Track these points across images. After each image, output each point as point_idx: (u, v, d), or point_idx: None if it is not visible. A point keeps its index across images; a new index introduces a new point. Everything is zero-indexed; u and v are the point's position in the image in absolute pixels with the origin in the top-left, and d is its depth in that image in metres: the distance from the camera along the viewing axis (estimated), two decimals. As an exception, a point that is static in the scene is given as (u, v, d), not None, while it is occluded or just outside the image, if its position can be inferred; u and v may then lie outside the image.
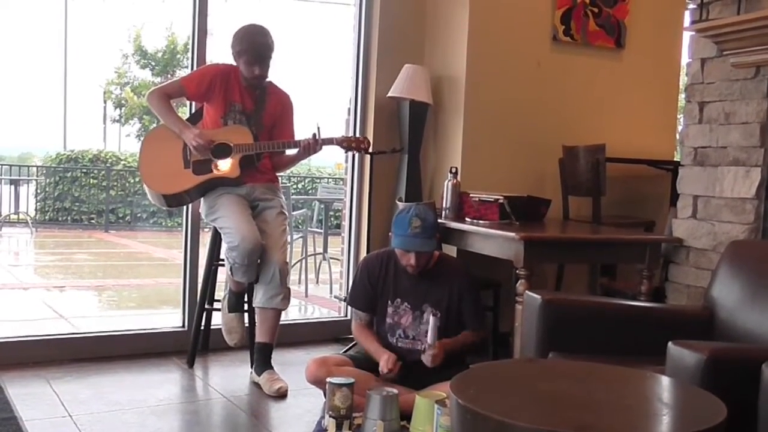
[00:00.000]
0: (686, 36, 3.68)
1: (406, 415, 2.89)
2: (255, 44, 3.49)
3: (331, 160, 13.51)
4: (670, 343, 1.92)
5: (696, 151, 3.33)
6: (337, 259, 5.52)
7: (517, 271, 3.13)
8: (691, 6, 3.34)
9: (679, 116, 4.92)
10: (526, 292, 2.60)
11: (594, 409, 1.53)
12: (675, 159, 4.54)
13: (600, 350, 2.36)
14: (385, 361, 3.05)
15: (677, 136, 4.93)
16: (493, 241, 3.31)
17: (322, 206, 7.09)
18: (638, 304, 2.97)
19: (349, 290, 3.46)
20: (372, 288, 3.24)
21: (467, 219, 3.60)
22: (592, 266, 4.38)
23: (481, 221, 3.51)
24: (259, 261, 3.42)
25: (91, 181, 12.54)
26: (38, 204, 12.63)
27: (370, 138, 4.00)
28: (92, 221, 12.51)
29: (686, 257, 3.31)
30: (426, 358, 3.02)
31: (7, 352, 3.55)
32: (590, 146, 4.01)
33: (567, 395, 1.57)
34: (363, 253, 4.25)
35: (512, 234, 3.12)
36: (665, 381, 1.82)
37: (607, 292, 3.86)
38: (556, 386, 1.63)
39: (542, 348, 2.43)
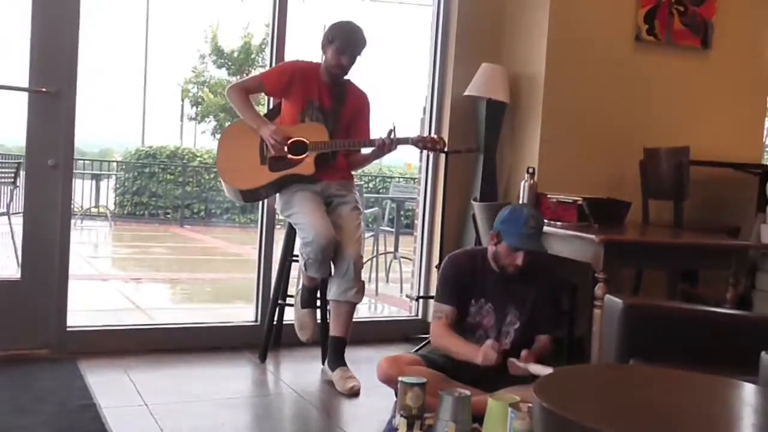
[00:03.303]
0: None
1: (478, 418, 2.85)
2: (349, 32, 3.53)
3: (401, 160, 13.52)
4: (763, 353, 1.83)
5: (788, 154, 3.19)
6: (408, 259, 5.50)
7: (596, 275, 3.05)
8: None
9: (767, 118, 4.74)
10: (607, 295, 2.52)
11: (684, 419, 1.47)
12: (763, 162, 4.37)
13: (683, 358, 2.27)
14: (489, 347, 2.97)
15: (765, 139, 4.74)
16: (570, 243, 3.24)
17: (394, 205, 7.09)
18: (725, 311, 2.85)
19: (438, 288, 3.38)
20: (462, 285, 3.18)
21: (544, 220, 3.53)
22: (672, 272, 4.25)
23: (558, 222, 3.43)
24: (333, 256, 3.42)
25: (168, 177, 12.84)
26: (117, 198, 13.00)
27: (446, 137, 3.96)
28: (168, 216, 12.81)
29: (775, 265, 3.18)
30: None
31: (86, 341, 3.64)
32: (673, 148, 3.89)
33: (655, 403, 1.51)
34: (436, 253, 4.23)
35: (592, 236, 3.05)
36: (757, 391, 1.74)
37: (688, 298, 3.73)
38: (643, 393, 1.56)
39: (623, 354, 2.36)
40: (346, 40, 3.51)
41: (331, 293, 3.46)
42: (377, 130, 3.66)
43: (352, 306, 3.47)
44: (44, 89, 3.43)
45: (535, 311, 3.10)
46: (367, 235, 6.99)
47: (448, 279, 3.23)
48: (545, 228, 3.37)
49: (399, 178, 13.05)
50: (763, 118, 4.66)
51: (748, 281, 3.35)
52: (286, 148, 3.49)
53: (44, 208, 3.51)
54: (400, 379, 2.86)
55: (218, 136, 3.66)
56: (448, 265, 3.28)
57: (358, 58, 3.58)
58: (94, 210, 12.11)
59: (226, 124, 5.77)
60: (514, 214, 3.07)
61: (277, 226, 4.06)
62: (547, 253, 3.13)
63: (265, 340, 3.72)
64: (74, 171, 3.73)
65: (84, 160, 12.97)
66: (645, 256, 3.30)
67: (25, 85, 3.43)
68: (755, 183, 4.06)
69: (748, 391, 1.71)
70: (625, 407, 1.46)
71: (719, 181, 4.35)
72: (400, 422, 2.82)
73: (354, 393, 3.29)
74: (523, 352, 2.94)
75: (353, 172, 3.79)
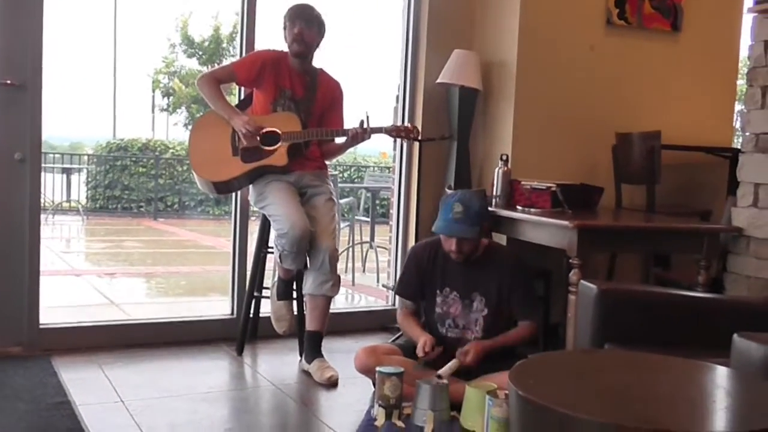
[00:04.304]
0: (746, 19, 3.56)
1: (456, 406, 2.86)
2: (295, 6, 3.53)
3: (376, 149, 13.53)
4: (735, 335, 1.85)
5: (758, 137, 3.21)
6: (384, 248, 5.50)
7: (570, 261, 3.06)
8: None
9: (737, 102, 4.78)
10: (581, 281, 2.53)
11: (657, 401, 1.48)
12: (733, 146, 4.41)
13: (657, 342, 2.29)
14: (422, 343, 3.02)
15: (735, 123, 4.79)
16: (544, 229, 3.25)
17: (369, 194, 7.08)
18: (698, 294, 2.88)
19: (398, 279, 3.44)
20: (420, 277, 3.21)
21: (518, 207, 3.54)
22: (645, 256, 4.29)
23: (532, 209, 3.44)
24: (308, 248, 3.41)
25: (140, 170, 12.75)
26: (89, 192, 12.88)
27: (419, 125, 3.95)
28: (141, 209, 12.72)
29: (746, 247, 3.21)
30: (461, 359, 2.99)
31: (60, 338, 3.60)
32: (645, 133, 3.91)
33: (629, 387, 1.52)
34: (411, 242, 4.23)
35: (565, 222, 3.05)
36: (729, 373, 1.76)
37: (661, 282, 3.77)
38: (616, 378, 1.58)
39: (597, 339, 2.37)
40: (293, 12, 3.51)
41: (307, 287, 3.45)
42: (351, 119, 3.65)
43: (328, 300, 3.46)
44: (8, 81, 3.37)
45: (502, 297, 3.12)
46: (342, 225, 7.00)
47: (406, 273, 3.29)
48: (519, 215, 3.39)
49: (374, 167, 13.05)
50: (733, 102, 4.70)
51: (720, 264, 3.38)
52: (258, 139, 3.46)
53: (12, 203, 3.46)
54: (377, 369, 2.87)
55: (190, 127, 3.61)
56: (408, 258, 3.32)
57: (322, 43, 3.57)
58: (65, 204, 11.98)
59: (199, 115, 5.80)
60: (445, 200, 3.11)
61: (252, 218, 4.04)
62: (480, 238, 3.12)
63: (241, 333, 3.71)
64: (43, 165, 3.68)
65: (54, 153, 12.80)
66: (618, 241, 3.32)
67: (-11, 77, 3.37)
68: (726, 166, 4.10)
69: (721, 373, 1.73)
70: (601, 392, 1.47)
71: (690, 165, 4.39)
72: (379, 412, 2.83)
73: (332, 383, 3.29)
74: (459, 350, 2.98)
75: (327, 162, 3.77)
